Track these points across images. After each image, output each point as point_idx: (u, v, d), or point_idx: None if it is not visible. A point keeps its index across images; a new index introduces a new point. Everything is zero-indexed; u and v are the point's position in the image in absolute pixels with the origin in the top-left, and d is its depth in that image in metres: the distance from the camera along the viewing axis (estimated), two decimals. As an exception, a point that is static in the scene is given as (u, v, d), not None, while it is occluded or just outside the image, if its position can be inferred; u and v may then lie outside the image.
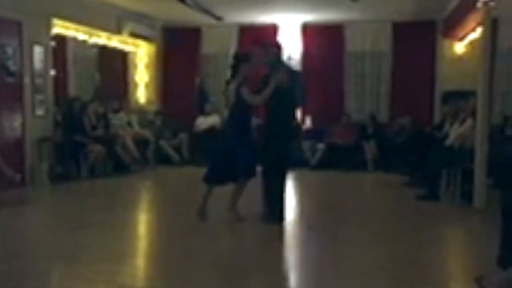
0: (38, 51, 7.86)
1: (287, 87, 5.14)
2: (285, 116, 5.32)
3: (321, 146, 10.21)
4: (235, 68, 5.29)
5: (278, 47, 5.55)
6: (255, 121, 5.79)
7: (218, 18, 10.37)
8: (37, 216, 6.07)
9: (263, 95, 5.13)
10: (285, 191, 5.43)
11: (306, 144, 10.12)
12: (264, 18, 10.55)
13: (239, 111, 5.21)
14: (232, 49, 11.15)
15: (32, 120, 7.82)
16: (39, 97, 7.93)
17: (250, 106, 5.26)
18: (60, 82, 8.66)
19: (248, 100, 5.14)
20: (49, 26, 8.12)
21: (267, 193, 5.35)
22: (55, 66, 8.41)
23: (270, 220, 5.25)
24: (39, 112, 7.96)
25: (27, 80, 7.71)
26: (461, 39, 9.90)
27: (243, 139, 5.20)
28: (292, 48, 10.73)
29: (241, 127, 5.23)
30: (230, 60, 11.69)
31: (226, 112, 5.85)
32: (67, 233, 5.11)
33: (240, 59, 5.35)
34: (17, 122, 7.61)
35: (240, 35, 11.16)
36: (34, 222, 5.81)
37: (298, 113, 6.02)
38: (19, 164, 7.47)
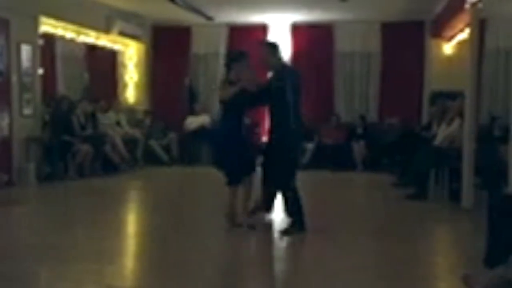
0: (25, 49, 7.80)
1: (288, 87, 4.95)
2: (290, 117, 5.03)
3: (310, 146, 10.23)
4: (229, 66, 5.22)
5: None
6: (247, 120, 5.70)
7: (208, 18, 10.35)
8: (25, 216, 6.01)
9: (226, 92, 4.97)
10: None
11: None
12: (254, 18, 10.55)
13: (231, 111, 5.14)
14: (222, 49, 11.16)
15: (20, 120, 7.75)
16: (26, 96, 7.87)
17: (243, 106, 5.16)
18: (48, 81, 8.60)
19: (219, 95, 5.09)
20: (37, 24, 8.06)
21: (286, 202, 5.16)
22: (43, 65, 8.34)
23: (296, 230, 5.02)
24: (27, 111, 7.89)
25: (14, 79, 7.65)
26: (449, 39, 9.97)
27: (237, 139, 5.12)
28: (281, 48, 10.72)
29: (235, 126, 5.13)
30: (222, 59, 11.72)
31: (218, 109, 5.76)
32: (55, 234, 5.07)
33: (232, 57, 5.28)
34: (4, 121, 7.54)
35: (230, 35, 11.16)
36: (22, 222, 5.75)
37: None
38: (6, 164, 7.41)
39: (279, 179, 5.15)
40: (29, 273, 3.87)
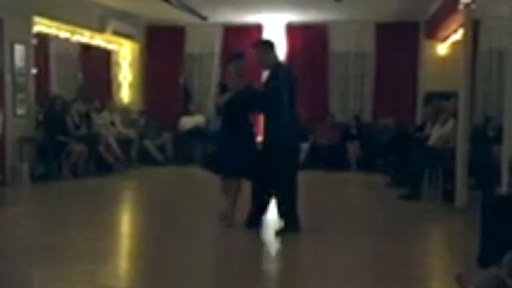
0: (19, 49, 7.76)
1: (285, 86, 4.90)
2: (286, 117, 4.93)
3: (305, 146, 10.24)
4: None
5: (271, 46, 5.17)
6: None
7: (203, 18, 10.34)
8: (18, 217, 5.98)
9: (220, 98, 5.06)
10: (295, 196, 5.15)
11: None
12: (248, 18, 10.55)
13: (227, 115, 5.17)
14: (217, 49, 11.16)
15: (13, 120, 7.71)
16: (20, 96, 7.83)
17: (237, 110, 5.16)
18: (42, 81, 8.57)
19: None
20: (30, 24, 8.02)
21: (280, 202, 5.11)
22: (37, 65, 8.31)
23: (291, 230, 4.99)
24: (20, 111, 7.85)
25: (8, 78, 7.61)
26: (443, 40, 10.01)
27: (233, 138, 5.14)
28: (277, 46, 10.75)
29: (230, 127, 5.19)
30: (216, 59, 11.71)
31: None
32: (49, 234, 5.05)
33: (227, 59, 5.31)
34: (-3, 121, 7.51)
35: (225, 35, 11.15)
36: (15, 223, 5.72)
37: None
38: (-1, 164, 7.38)
39: (278, 181, 5.03)
40: (23, 274, 3.86)
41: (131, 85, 11.10)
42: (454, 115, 6.66)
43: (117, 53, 10.77)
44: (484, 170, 6.32)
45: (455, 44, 9.22)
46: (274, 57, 5.10)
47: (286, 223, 5.08)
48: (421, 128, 8.36)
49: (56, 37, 8.91)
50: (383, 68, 10.77)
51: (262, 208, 5.22)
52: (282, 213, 5.14)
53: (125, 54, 10.94)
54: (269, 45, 5.15)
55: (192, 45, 11.36)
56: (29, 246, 4.59)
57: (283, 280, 4.04)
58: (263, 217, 5.28)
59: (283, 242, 4.94)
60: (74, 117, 8.66)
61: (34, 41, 8.17)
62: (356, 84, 11.05)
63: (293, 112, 5.03)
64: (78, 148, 8.39)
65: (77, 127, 8.66)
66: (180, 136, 10.77)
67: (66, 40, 9.11)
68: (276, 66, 5.09)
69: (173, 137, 10.74)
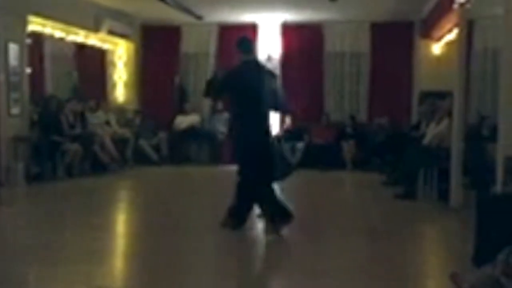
0: (13, 48, 7.73)
1: (257, 89, 4.88)
2: (253, 121, 4.92)
3: (300, 145, 10.26)
4: None
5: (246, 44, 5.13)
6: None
7: (198, 17, 10.34)
8: (13, 217, 5.96)
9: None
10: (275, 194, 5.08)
11: (285, 144, 10.16)
12: (244, 17, 10.55)
13: None
14: (212, 48, 11.15)
15: (7, 119, 7.68)
16: (14, 95, 7.80)
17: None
18: (36, 80, 8.54)
19: None
20: (25, 23, 7.99)
21: (264, 207, 5.05)
22: (31, 64, 8.28)
23: (285, 223, 4.94)
24: (15, 110, 7.82)
25: (2, 78, 7.58)
26: (438, 40, 10.03)
27: None
28: (271, 47, 10.77)
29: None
30: (212, 59, 11.73)
31: None
32: (45, 234, 5.03)
33: None
34: (-9, 121, 7.48)
35: (220, 34, 11.14)
36: (10, 223, 5.70)
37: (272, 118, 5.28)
38: (-6, 164, 7.35)
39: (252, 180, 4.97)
40: (18, 274, 3.85)
41: (126, 85, 11.07)
42: (449, 114, 6.68)
43: (112, 52, 10.75)
44: (478, 169, 6.34)
45: (449, 44, 9.24)
46: (247, 56, 5.04)
47: (279, 221, 5.05)
48: (417, 127, 8.39)
49: (51, 37, 8.89)
50: (378, 67, 10.80)
51: (248, 207, 5.14)
52: (269, 212, 5.10)
53: (120, 53, 10.92)
54: (246, 43, 5.16)
55: (188, 45, 11.35)
56: (25, 246, 4.58)
57: (281, 280, 4.04)
58: (248, 215, 5.18)
59: (280, 242, 4.94)
60: (69, 116, 8.63)
61: (29, 40, 8.14)
62: (351, 84, 11.07)
63: (260, 111, 4.96)
64: (73, 147, 8.37)
65: (72, 126, 8.64)
66: (176, 136, 10.76)
67: (61, 39, 9.09)
68: (246, 64, 5.02)
69: (169, 136, 10.73)
